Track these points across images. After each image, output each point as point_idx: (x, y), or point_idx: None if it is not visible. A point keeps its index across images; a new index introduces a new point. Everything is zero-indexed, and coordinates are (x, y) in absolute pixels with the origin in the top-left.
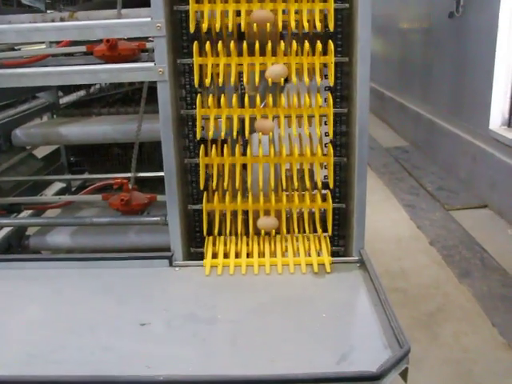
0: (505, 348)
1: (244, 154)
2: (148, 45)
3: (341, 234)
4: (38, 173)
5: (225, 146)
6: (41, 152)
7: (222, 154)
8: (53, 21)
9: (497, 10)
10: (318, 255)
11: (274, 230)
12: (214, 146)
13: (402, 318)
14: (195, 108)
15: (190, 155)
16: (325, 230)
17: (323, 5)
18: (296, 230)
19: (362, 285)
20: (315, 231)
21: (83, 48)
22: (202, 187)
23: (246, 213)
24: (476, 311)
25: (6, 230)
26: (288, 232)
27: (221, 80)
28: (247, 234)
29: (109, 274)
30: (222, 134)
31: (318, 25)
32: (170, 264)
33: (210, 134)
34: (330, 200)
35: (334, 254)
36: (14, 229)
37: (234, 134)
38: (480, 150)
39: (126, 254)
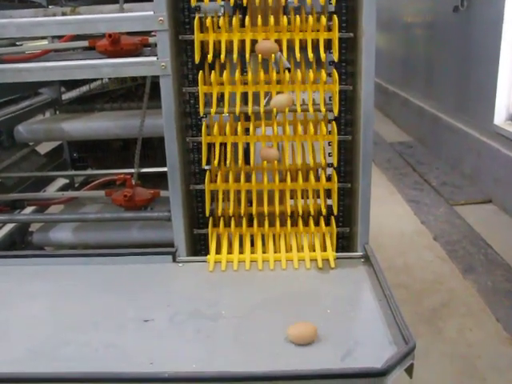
0: (509, 343)
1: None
2: (151, 39)
3: (346, 222)
4: (40, 169)
5: (227, 124)
6: (43, 148)
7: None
8: (54, 15)
9: (502, 3)
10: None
11: (278, 229)
12: (216, 123)
13: (406, 313)
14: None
15: (193, 135)
16: (329, 220)
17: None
18: (300, 211)
19: (366, 280)
20: (319, 218)
21: (85, 43)
22: (204, 165)
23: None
24: (480, 306)
25: (10, 226)
26: (292, 223)
27: (223, 56)
28: (251, 218)
29: (112, 270)
30: (225, 106)
31: None
32: (174, 260)
33: (213, 111)
34: (336, 178)
35: (339, 237)
36: (18, 225)
37: (237, 110)
38: (484, 145)
39: (129, 249)
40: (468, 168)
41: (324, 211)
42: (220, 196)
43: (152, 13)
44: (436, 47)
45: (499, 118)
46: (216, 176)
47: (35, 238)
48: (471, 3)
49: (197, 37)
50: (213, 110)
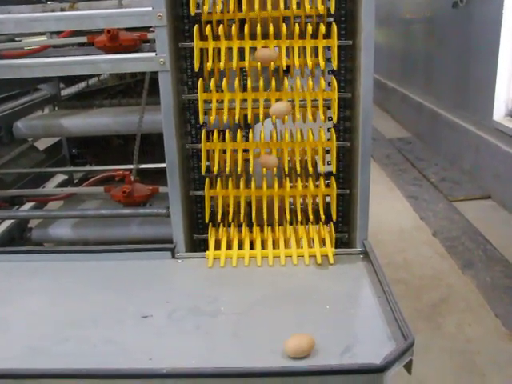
0: (508, 339)
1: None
2: (149, 35)
3: (345, 220)
4: (39, 165)
5: (227, 131)
6: (42, 144)
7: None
8: (53, 11)
9: None
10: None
11: (277, 215)
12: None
13: (405, 309)
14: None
15: (192, 141)
16: (328, 222)
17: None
18: (299, 217)
19: (365, 276)
20: (318, 222)
21: (84, 39)
22: (203, 172)
23: (249, 204)
24: (479, 302)
25: (9, 222)
26: (291, 223)
27: (222, 63)
28: (250, 224)
29: (111, 266)
30: (225, 112)
31: (320, 7)
32: (173, 256)
33: (212, 119)
34: (335, 185)
35: (337, 238)
36: (16, 221)
37: (237, 117)
38: (484, 140)
39: (128, 246)
40: (467, 164)
41: (322, 212)
42: (220, 201)
43: (150, 8)
44: (435, 43)
45: (498, 114)
46: (215, 175)
47: (34, 234)
48: None
49: (196, 44)
50: (212, 117)
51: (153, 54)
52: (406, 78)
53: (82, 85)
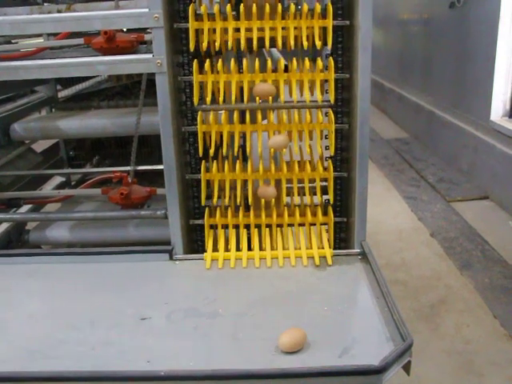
0: (506, 339)
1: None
2: (146, 37)
3: (344, 206)
4: (37, 167)
5: (223, 113)
6: (40, 146)
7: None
8: (49, 13)
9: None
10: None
11: (274, 204)
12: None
13: (403, 309)
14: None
15: (189, 124)
16: (325, 218)
17: None
18: (296, 199)
19: (363, 277)
20: (315, 223)
21: (81, 40)
22: (200, 154)
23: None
24: (477, 303)
25: (6, 224)
26: (289, 213)
27: (218, 44)
28: (247, 207)
29: (109, 268)
30: (220, 96)
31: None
32: (171, 258)
33: (208, 101)
34: (332, 168)
35: (336, 239)
36: (14, 223)
37: (233, 98)
38: (481, 141)
39: (125, 248)
40: (465, 164)
41: (320, 213)
42: (216, 185)
43: (147, 10)
44: (432, 43)
45: (496, 114)
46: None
47: (32, 236)
48: None
49: (191, 25)
50: (208, 98)
51: (150, 56)
52: (404, 78)
53: (79, 86)
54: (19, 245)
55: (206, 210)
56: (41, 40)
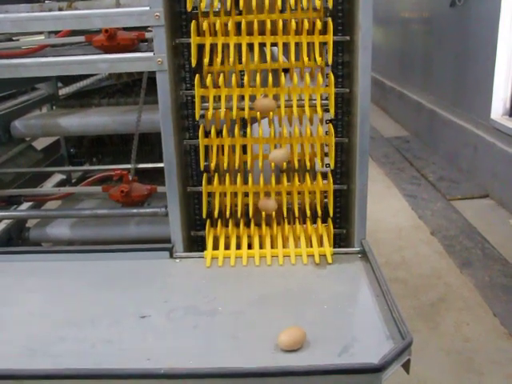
0: (506, 337)
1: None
2: (147, 35)
3: (343, 219)
4: (37, 164)
5: (224, 126)
6: (40, 143)
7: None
8: (51, 10)
9: None
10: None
11: (274, 216)
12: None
13: (403, 308)
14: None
15: (190, 137)
16: (325, 220)
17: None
18: (296, 213)
19: (363, 276)
20: (316, 220)
21: (82, 38)
22: (202, 167)
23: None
24: (477, 301)
25: (6, 222)
26: (289, 220)
27: (219, 59)
28: (248, 219)
29: (109, 266)
30: (222, 110)
31: (318, 2)
32: (171, 256)
33: (209, 114)
34: (331, 181)
35: (336, 237)
36: (14, 221)
37: (234, 113)
38: (481, 139)
39: (126, 245)
40: (465, 163)
41: (319, 211)
42: (217, 198)
43: (148, 8)
44: (433, 42)
45: (496, 113)
46: (212, 171)
47: (32, 234)
48: None
49: (193, 40)
50: (209, 112)
51: (151, 54)
52: (404, 76)
53: (80, 84)
54: (20, 242)
55: (208, 221)
56: (42, 38)
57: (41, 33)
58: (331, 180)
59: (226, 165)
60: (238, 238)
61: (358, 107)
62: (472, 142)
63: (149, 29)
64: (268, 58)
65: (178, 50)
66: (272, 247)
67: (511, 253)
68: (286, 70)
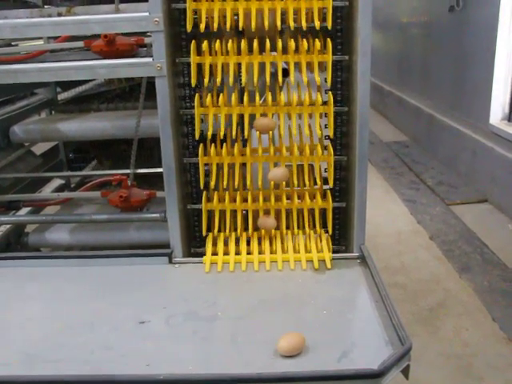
0: (505, 342)
1: (243, 152)
2: (146, 40)
3: (342, 233)
4: (36, 169)
5: (224, 144)
6: (39, 149)
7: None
8: (50, 16)
9: (497, 3)
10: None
11: (273, 230)
12: (213, 144)
13: (402, 313)
14: (194, 107)
15: (189, 152)
16: (325, 226)
17: (322, 3)
18: (296, 230)
19: (362, 281)
20: (315, 227)
21: (81, 44)
22: (202, 186)
23: (246, 211)
24: (476, 306)
25: (5, 227)
26: (288, 229)
27: (219, 79)
28: (247, 230)
29: (108, 271)
30: (221, 130)
31: (317, 23)
32: (170, 261)
33: (209, 134)
34: (330, 199)
35: (335, 253)
36: (13, 226)
37: (234, 131)
38: (480, 144)
39: (125, 251)
40: (464, 167)
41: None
42: (217, 213)
43: (147, 14)
44: (432, 47)
45: (495, 118)
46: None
47: (31, 239)
48: (467, 3)
49: (193, 60)
50: (209, 132)
51: (150, 59)
52: (403, 81)
53: (79, 89)
54: (18, 247)
55: (204, 209)
56: (41, 43)
57: (40, 38)
58: (330, 197)
59: (225, 184)
60: (237, 243)
61: (357, 127)
62: (471, 147)
63: (148, 34)
64: (267, 78)
65: (176, 50)
66: (271, 252)
67: (510, 257)
68: (285, 74)
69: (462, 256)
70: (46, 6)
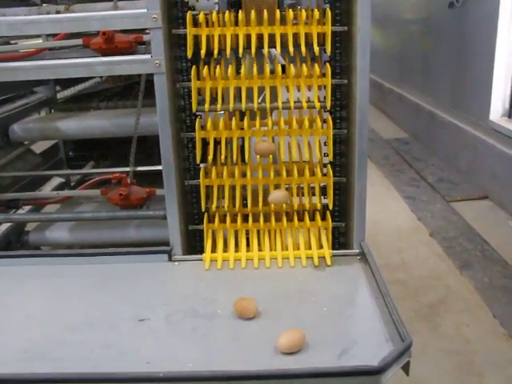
0: (506, 339)
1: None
2: (145, 37)
3: (342, 214)
4: (36, 168)
5: (221, 119)
6: (39, 147)
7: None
8: (48, 13)
9: None
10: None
11: (274, 224)
12: (209, 119)
13: (403, 309)
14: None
15: (187, 130)
16: (324, 220)
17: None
18: (296, 223)
19: (362, 278)
20: (315, 218)
21: (80, 41)
22: (198, 161)
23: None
24: (477, 302)
25: (5, 225)
26: (288, 215)
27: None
28: (246, 209)
29: (107, 269)
30: (218, 106)
31: (316, 49)
32: (169, 258)
33: (207, 107)
34: (331, 173)
35: (335, 234)
36: (13, 225)
37: (231, 106)
38: (480, 141)
39: (124, 249)
40: (464, 164)
41: (319, 205)
42: (215, 191)
43: (145, 10)
44: (432, 43)
45: (495, 114)
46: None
47: (31, 237)
48: None
49: (189, 31)
50: (206, 105)
51: (148, 56)
52: (403, 78)
53: (78, 87)
54: (19, 246)
55: (205, 215)
56: (40, 41)
57: (38, 36)
58: (331, 172)
59: (223, 158)
60: (237, 240)
61: (356, 147)
62: (471, 144)
63: (146, 31)
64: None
65: (175, 47)
66: (271, 249)
67: (511, 254)
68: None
69: (462, 253)
70: (44, 4)
